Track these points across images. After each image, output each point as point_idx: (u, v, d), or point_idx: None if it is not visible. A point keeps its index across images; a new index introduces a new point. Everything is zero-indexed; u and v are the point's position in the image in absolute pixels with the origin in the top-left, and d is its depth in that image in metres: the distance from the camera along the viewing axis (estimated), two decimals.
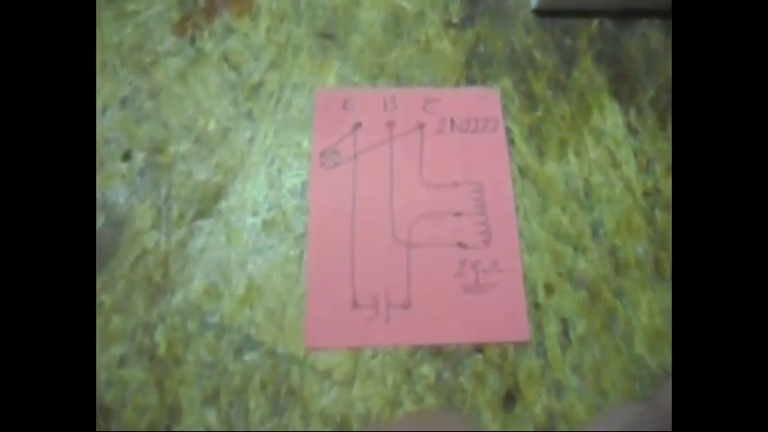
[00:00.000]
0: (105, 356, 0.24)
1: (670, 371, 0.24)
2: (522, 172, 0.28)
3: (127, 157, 0.27)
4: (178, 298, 0.25)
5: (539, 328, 0.25)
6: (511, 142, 0.28)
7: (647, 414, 0.14)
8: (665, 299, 0.25)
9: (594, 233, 0.26)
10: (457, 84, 0.29)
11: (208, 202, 0.26)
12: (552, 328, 0.25)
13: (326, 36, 0.30)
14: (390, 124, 0.28)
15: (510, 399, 0.24)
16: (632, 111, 0.29)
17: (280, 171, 0.27)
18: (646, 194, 0.27)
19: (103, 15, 0.30)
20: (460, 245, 0.26)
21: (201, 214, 0.26)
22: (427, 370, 0.24)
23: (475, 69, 0.30)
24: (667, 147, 0.28)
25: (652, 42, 0.31)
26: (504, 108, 0.29)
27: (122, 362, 0.24)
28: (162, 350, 0.24)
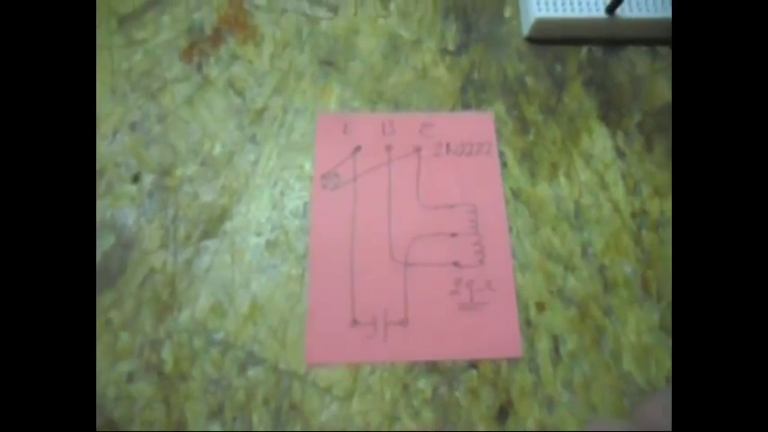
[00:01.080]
0: (114, 372, 0.25)
1: (656, 387, 0.25)
2: (515, 194, 0.29)
3: (136, 179, 0.28)
4: (185, 316, 0.26)
5: (531, 344, 0.26)
6: (504, 165, 0.29)
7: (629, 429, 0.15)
8: (653, 317, 0.26)
9: (584, 253, 0.28)
10: (452, 108, 0.31)
11: (213, 223, 0.27)
12: (544, 344, 0.26)
13: (327, 63, 0.31)
14: (389, 148, 0.29)
15: (503, 413, 0.25)
16: (620, 134, 0.30)
17: (282, 193, 0.28)
18: (633, 215, 0.29)
19: (114, 42, 0.31)
20: (456, 264, 0.27)
21: (207, 235, 0.27)
22: (424, 385, 0.25)
23: (470, 95, 0.31)
24: (654, 169, 0.30)
25: (639, 69, 0.32)
26: (498, 132, 0.30)
27: (130, 377, 0.25)
28: (169, 366, 0.25)
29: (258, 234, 0.27)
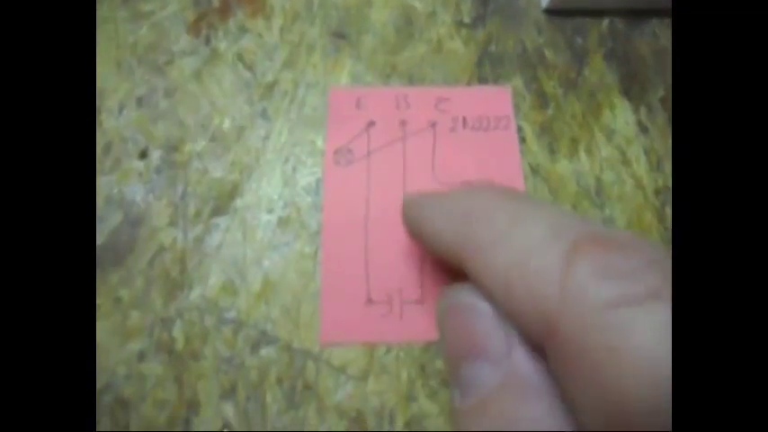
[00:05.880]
0: (124, 351, 0.24)
1: None
2: (534, 170, 0.28)
3: (143, 155, 0.27)
4: (195, 294, 0.25)
5: None
6: (522, 140, 0.28)
7: None
8: None
9: None
10: (469, 83, 0.30)
11: (224, 200, 0.27)
12: None
13: (339, 36, 0.30)
14: (403, 123, 0.28)
15: None
16: (643, 109, 0.29)
17: (294, 169, 0.27)
18: (656, 192, 0.28)
19: (119, 15, 0.30)
20: None
21: (217, 211, 0.26)
22: (441, 365, 0.24)
23: (486, 68, 0.30)
24: None
25: (662, 41, 0.31)
26: (516, 107, 0.29)
27: (141, 356, 0.24)
28: (180, 345, 0.24)
29: (270, 211, 0.27)
